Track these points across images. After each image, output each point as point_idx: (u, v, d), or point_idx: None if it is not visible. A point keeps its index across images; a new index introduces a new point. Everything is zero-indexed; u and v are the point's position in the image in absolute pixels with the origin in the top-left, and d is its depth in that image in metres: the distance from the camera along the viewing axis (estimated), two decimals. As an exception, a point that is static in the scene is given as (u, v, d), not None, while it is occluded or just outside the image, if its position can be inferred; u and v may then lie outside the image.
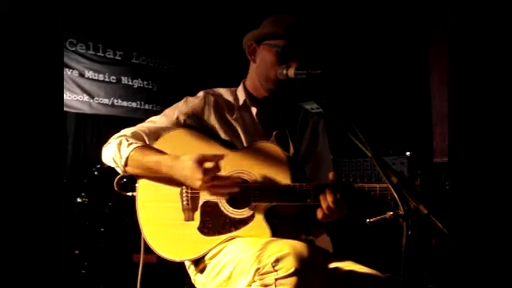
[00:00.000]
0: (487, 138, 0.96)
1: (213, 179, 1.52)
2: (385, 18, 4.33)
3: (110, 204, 3.59)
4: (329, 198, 1.47)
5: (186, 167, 1.53)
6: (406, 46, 4.26)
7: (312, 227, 1.73)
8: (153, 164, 1.60)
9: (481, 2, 0.98)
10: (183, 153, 1.58)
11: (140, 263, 1.72)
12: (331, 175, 1.51)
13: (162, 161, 1.59)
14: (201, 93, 1.78)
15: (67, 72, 4.59)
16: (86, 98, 4.71)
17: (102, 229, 3.66)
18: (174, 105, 1.77)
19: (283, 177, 1.57)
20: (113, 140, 1.69)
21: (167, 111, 1.77)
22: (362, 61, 4.43)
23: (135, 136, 1.69)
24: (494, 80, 0.96)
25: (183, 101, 1.78)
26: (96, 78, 4.81)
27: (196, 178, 1.49)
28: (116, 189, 1.76)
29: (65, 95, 4.48)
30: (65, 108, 4.43)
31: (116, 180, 1.75)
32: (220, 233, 1.58)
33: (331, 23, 4.18)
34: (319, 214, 1.52)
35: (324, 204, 1.49)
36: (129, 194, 1.74)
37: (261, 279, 1.35)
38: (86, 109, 4.72)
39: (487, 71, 0.97)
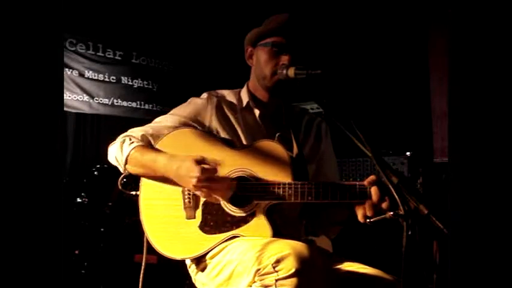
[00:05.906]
0: (487, 138, 0.96)
1: (209, 181, 1.51)
2: (385, 18, 4.33)
3: (110, 204, 3.60)
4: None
5: (181, 166, 1.54)
6: (406, 46, 4.26)
7: (326, 227, 1.72)
8: (150, 162, 1.61)
9: (481, 2, 0.98)
10: (184, 152, 1.59)
11: (143, 262, 1.73)
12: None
13: (159, 159, 1.60)
14: (204, 95, 1.80)
15: (67, 72, 4.58)
16: (85, 98, 4.71)
17: (102, 229, 3.67)
18: (180, 106, 1.79)
19: (284, 176, 1.56)
20: (119, 139, 1.72)
21: (173, 111, 1.79)
22: (362, 61, 4.43)
23: (142, 138, 1.70)
24: (494, 80, 0.96)
25: (187, 101, 1.80)
26: (96, 78, 4.81)
27: (191, 176, 1.50)
28: (119, 188, 1.77)
29: (65, 95, 4.47)
30: (65, 108, 4.43)
31: (119, 179, 1.76)
32: (221, 231, 1.58)
33: (331, 24, 4.18)
34: (360, 214, 1.46)
35: (373, 202, 1.43)
36: (133, 193, 1.75)
37: (261, 280, 1.35)
38: (85, 109, 4.72)
39: (486, 70, 0.97)
